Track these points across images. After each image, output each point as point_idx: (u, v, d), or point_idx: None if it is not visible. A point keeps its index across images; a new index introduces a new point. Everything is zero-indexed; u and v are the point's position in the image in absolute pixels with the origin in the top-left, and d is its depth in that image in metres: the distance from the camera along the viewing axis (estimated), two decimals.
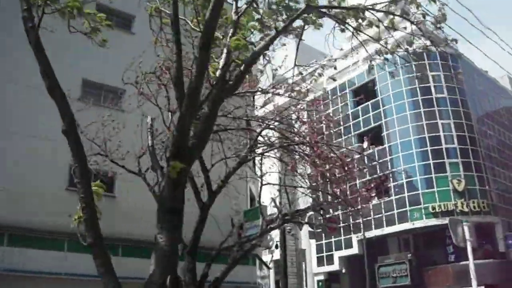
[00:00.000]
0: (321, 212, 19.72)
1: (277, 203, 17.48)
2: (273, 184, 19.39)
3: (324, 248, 46.81)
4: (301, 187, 17.66)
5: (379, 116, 45.23)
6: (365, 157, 17.50)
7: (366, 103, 46.81)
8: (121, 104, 20.29)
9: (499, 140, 50.00)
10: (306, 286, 45.59)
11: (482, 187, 41.05)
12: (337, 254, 45.61)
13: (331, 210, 25.28)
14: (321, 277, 47.11)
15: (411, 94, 43.73)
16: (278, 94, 15.20)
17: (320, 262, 47.23)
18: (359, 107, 47.44)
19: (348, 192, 17.13)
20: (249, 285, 23.18)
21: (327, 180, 15.74)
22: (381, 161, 42.74)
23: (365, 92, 47.51)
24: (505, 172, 47.59)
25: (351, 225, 42.51)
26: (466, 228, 13.10)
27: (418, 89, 43.50)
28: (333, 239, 45.37)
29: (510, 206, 45.19)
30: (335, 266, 45.83)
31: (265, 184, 18.39)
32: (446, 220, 38.78)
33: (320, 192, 17.61)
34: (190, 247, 11.51)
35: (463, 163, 41.02)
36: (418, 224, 39.66)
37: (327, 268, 46.66)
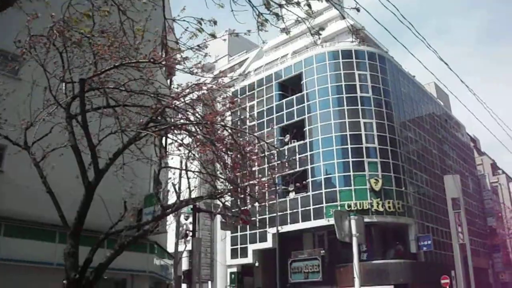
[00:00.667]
0: (223, 201, 18.82)
1: (176, 189, 16.38)
2: (172, 168, 18.29)
3: (239, 241, 46.01)
4: (199, 172, 16.62)
5: (303, 110, 44.73)
6: (275, 148, 16.40)
7: (291, 97, 46.31)
8: (19, 72, 18.55)
9: (421, 145, 50.70)
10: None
11: (398, 188, 41.29)
12: (251, 247, 44.95)
13: (243, 202, 24.79)
14: (234, 269, 46.25)
15: (336, 91, 43.55)
16: (189, 72, 13.95)
17: (234, 254, 46.44)
18: (284, 100, 46.82)
19: (253, 182, 16.21)
20: (145, 274, 21.85)
21: (224, 165, 14.71)
22: (296, 157, 42.71)
23: (291, 86, 47.26)
24: (423, 176, 48.23)
25: (267, 219, 42.27)
26: (353, 222, 12.24)
27: (343, 86, 43.39)
28: (248, 232, 44.71)
29: (425, 208, 45.86)
30: (249, 259, 45.21)
31: (164, 167, 17.28)
32: None
33: (218, 179, 16.63)
34: (73, 229, 10.25)
35: (382, 163, 41.12)
36: (333, 221, 39.32)
37: (241, 261, 45.97)
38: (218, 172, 16.08)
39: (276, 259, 37.47)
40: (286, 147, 45.10)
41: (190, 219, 38.38)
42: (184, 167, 18.07)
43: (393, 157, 42.13)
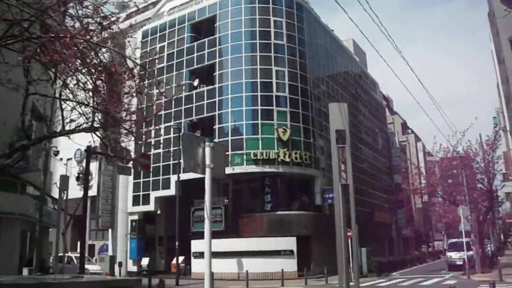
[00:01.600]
0: (101, 136, 16.95)
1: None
2: (42, 96, 16.18)
3: (141, 187, 44.11)
4: (69, 99, 14.63)
5: (214, 54, 42.71)
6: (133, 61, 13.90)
7: (203, 40, 44.12)
8: None
9: (334, 99, 50.12)
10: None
11: (307, 140, 40.56)
12: (153, 194, 43.16)
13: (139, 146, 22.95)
14: (136, 217, 44.46)
15: (250, 36, 41.69)
16: None
17: (136, 201, 44.50)
18: (195, 43, 44.53)
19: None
20: (14, 217, 19.71)
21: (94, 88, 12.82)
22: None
23: (204, 29, 45.00)
24: None
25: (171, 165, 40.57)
26: (208, 151, 9.36)
27: (258, 32, 41.66)
28: (151, 179, 42.84)
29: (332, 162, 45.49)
30: (151, 207, 43.43)
31: (31, 94, 15.24)
32: (266, 168, 38.09)
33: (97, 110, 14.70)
34: None
35: (292, 113, 40.09)
36: (238, 169, 38.24)
37: (143, 208, 44.10)
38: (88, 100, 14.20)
39: (176, 206, 36.11)
40: (194, 91, 43.27)
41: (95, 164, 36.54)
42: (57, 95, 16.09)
43: (303, 107, 41.19)
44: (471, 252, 34.20)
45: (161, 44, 46.22)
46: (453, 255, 39.86)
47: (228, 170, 37.85)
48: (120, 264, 40.20)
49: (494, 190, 39.45)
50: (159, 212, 43.83)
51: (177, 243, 35.24)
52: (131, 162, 24.66)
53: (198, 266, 37.24)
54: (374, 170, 60.83)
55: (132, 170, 29.38)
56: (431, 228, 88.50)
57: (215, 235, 33.28)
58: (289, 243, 36.26)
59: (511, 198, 62.03)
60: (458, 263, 37.58)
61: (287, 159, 38.24)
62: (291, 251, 35.90)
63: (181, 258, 38.94)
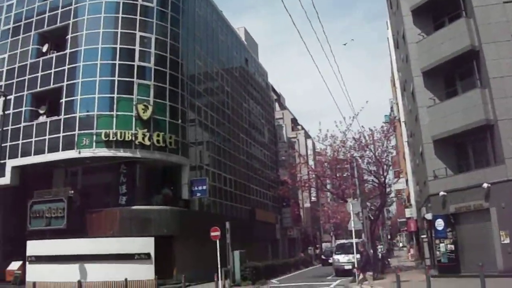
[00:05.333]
0: None
1: None
2: None
3: None
4: None
5: (69, 14, 34.89)
6: None
7: None
8: None
9: (212, 78, 44.29)
10: None
11: (174, 121, 33.90)
12: None
13: None
14: None
15: None
16: None
17: None
18: (48, 1, 36.39)
19: None
20: None
21: None
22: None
23: None
24: (209, 112, 41.85)
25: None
26: None
27: None
28: None
29: (207, 150, 39.53)
30: None
31: None
32: (121, 152, 30.90)
33: None
34: None
35: (157, 88, 33.31)
36: (86, 153, 30.82)
37: None
38: None
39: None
40: (42, 58, 35.36)
41: None
42: None
43: (172, 83, 34.54)
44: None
45: (9, 2, 37.93)
46: (341, 258, 35.15)
47: (73, 154, 30.69)
48: None
49: (387, 184, 34.78)
50: None
51: None
52: None
53: (35, 273, 29.28)
54: (258, 164, 55.38)
55: None
56: (319, 229, 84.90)
57: (55, 234, 25.83)
58: (146, 244, 29.39)
59: (400, 198, 58.83)
60: (346, 267, 33.17)
61: (147, 142, 31.33)
62: (148, 255, 28.97)
63: (18, 264, 31.45)
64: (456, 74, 26.81)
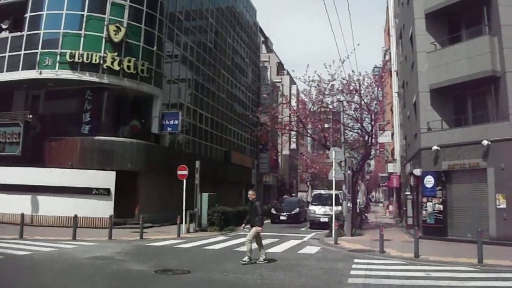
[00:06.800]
0: None
1: None
2: None
3: None
4: None
5: None
6: None
7: None
8: None
9: (195, 7, 41.02)
10: None
11: (148, 47, 30.88)
12: None
13: None
14: None
15: None
16: None
17: None
18: None
19: None
20: None
21: None
22: None
23: None
24: (189, 43, 38.80)
25: None
26: None
27: None
28: None
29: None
30: None
31: None
32: (86, 76, 27.70)
33: None
34: None
35: (133, 9, 30.14)
36: (48, 74, 27.81)
37: None
38: None
39: None
40: None
41: None
42: None
43: (151, 6, 31.33)
44: (339, 208, 27.34)
45: None
46: (317, 210, 33.17)
47: (34, 74, 27.64)
48: None
49: (374, 134, 32.34)
50: None
51: None
52: None
53: None
54: (239, 105, 52.69)
55: None
56: (296, 177, 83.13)
57: (8, 161, 23.04)
58: (107, 179, 26.84)
59: (382, 153, 56.74)
60: (322, 220, 31.33)
61: (116, 67, 28.31)
62: (107, 190, 26.44)
63: None
64: (462, 19, 24.08)
